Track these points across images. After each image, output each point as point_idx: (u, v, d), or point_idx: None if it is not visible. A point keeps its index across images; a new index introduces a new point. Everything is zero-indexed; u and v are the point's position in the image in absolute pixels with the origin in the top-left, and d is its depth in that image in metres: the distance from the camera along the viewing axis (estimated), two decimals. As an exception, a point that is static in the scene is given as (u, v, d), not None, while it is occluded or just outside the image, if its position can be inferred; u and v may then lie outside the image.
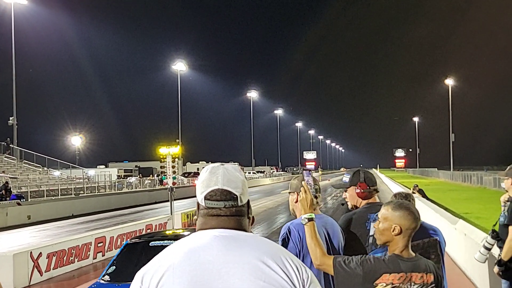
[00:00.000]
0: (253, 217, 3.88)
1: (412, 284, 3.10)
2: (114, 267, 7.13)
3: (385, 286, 3.10)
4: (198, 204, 2.07)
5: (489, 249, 6.31)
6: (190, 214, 22.66)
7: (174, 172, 20.96)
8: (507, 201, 6.24)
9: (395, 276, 3.10)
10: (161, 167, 21.29)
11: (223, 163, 2.16)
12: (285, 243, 3.79)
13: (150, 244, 7.41)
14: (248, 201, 2.13)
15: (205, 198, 2.01)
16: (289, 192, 4.16)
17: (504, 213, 6.11)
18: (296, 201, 4.05)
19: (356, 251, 3.84)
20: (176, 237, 7.57)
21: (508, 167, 6.32)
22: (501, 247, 6.17)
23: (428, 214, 17.35)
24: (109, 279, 6.93)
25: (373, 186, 4.40)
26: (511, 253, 5.95)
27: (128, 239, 8.04)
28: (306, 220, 3.52)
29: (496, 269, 6.16)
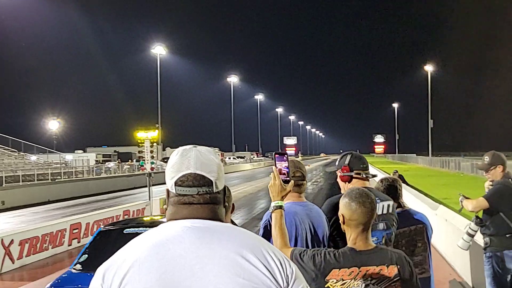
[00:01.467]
0: (233, 204, 3.58)
1: (368, 279, 2.81)
2: (86, 255, 6.83)
3: (336, 283, 2.83)
4: (168, 192, 1.83)
5: (472, 236, 6.14)
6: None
7: (152, 157, 20.61)
8: (491, 185, 6.08)
9: (345, 272, 2.83)
10: (139, 151, 20.89)
11: (195, 145, 1.90)
12: (267, 231, 3.55)
13: (124, 231, 7.11)
14: (225, 187, 1.90)
15: (176, 184, 1.79)
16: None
17: None
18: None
19: (343, 239, 3.64)
20: (152, 224, 7.27)
21: (487, 156, 6.16)
22: (484, 234, 6.02)
23: (409, 200, 17.24)
24: (81, 268, 6.64)
25: (357, 170, 4.18)
26: (479, 207, 5.97)
27: (101, 226, 7.71)
28: (274, 207, 3.26)
29: (473, 226, 6.01)
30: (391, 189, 4.53)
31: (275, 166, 3.33)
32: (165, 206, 1.87)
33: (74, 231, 14.96)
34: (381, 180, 4.63)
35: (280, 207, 3.26)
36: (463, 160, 59.99)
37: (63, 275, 6.58)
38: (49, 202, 31.07)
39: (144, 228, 7.15)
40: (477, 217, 6.06)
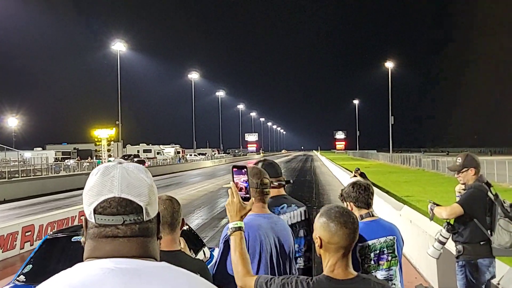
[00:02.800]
0: (183, 219, 3.14)
1: None
2: (31, 265, 6.34)
3: None
4: (86, 221, 1.44)
5: (443, 243, 5.86)
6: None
7: (109, 155, 20.05)
8: (464, 189, 5.79)
9: None
10: (96, 150, 20.30)
11: (122, 160, 1.52)
12: (226, 245, 3.17)
13: (72, 239, 6.62)
14: (159, 214, 1.50)
15: (95, 212, 1.40)
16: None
17: None
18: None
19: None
20: None
21: (460, 158, 5.87)
22: (457, 241, 5.75)
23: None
24: (24, 279, 6.15)
25: (275, 178, 4.02)
26: (454, 214, 5.67)
27: (48, 234, 7.22)
28: (233, 229, 2.88)
29: (444, 233, 5.76)
30: (364, 196, 4.20)
31: (233, 181, 2.95)
32: (82, 239, 1.45)
33: (27, 234, 14.33)
34: (352, 185, 4.27)
35: (240, 228, 2.88)
36: (423, 156, 60.65)
37: (6, 287, 6.10)
38: (4, 201, 30.11)
39: None
40: (448, 223, 5.78)
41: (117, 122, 61.41)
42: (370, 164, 72.09)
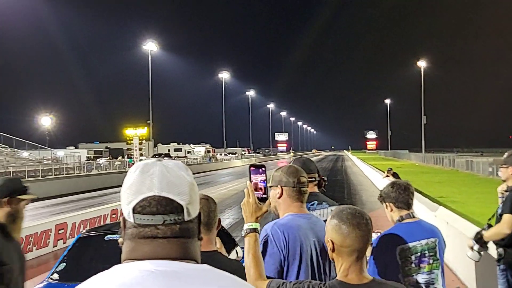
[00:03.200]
0: (219, 219, 3.03)
1: None
2: (64, 264, 6.31)
3: None
4: (124, 221, 1.36)
5: (484, 246, 5.66)
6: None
7: (141, 154, 20.14)
8: (506, 191, 5.57)
9: None
10: (127, 149, 20.41)
11: (161, 157, 1.42)
12: (265, 247, 3.12)
13: (105, 238, 6.59)
14: (200, 214, 1.41)
15: (134, 211, 1.32)
16: (270, 186, 3.34)
17: (502, 204, 5.49)
18: (280, 197, 3.32)
19: None
20: None
21: (506, 153, 5.65)
22: (498, 244, 5.54)
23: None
24: (58, 278, 6.13)
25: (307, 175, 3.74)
26: (496, 237, 5.42)
27: (81, 232, 7.20)
28: (248, 230, 2.77)
29: (472, 244, 5.56)
30: (404, 196, 4.05)
31: (250, 180, 2.84)
32: (120, 240, 1.38)
33: (60, 232, 14.45)
34: (392, 185, 4.12)
35: (255, 230, 2.77)
36: (457, 156, 59.78)
37: (40, 286, 6.09)
38: (37, 199, 30.45)
39: None
40: (489, 225, 5.58)
41: (148, 121, 61.80)
42: (402, 164, 71.34)
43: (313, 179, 4.12)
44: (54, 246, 14.13)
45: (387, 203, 4.08)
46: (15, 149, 48.29)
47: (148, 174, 1.35)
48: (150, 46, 68.42)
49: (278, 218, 3.36)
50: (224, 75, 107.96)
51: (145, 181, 1.33)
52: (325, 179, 4.44)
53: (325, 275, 3.33)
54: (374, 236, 4.31)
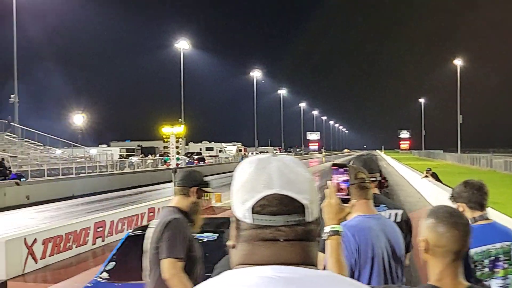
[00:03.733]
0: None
1: None
2: (113, 262, 6.17)
3: None
4: (238, 221, 1.24)
5: None
6: (194, 196, 21.74)
7: (177, 153, 20.07)
8: None
9: None
10: (164, 147, 20.36)
11: (274, 152, 1.21)
12: None
13: None
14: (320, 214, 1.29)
15: (253, 211, 1.20)
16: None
17: None
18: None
19: None
20: None
21: None
22: None
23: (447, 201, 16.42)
24: (108, 277, 5.98)
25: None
26: None
27: (129, 230, 7.04)
28: (331, 233, 2.55)
29: None
30: (478, 196, 3.78)
31: (331, 180, 2.62)
32: (230, 243, 1.25)
33: (98, 230, 14.41)
34: (465, 184, 3.85)
35: (337, 232, 2.56)
36: (494, 157, 58.69)
37: (89, 285, 5.94)
38: (73, 197, 30.73)
39: None
40: None
41: (180, 119, 62.12)
42: (438, 164, 70.28)
43: (374, 179, 3.86)
44: (93, 244, 14.11)
45: (458, 204, 3.82)
46: (49, 147, 48.81)
47: (265, 170, 1.22)
48: (183, 45, 68.68)
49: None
50: (256, 74, 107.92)
51: (262, 178, 1.21)
52: (387, 179, 4.20)
53: (397, 279, 3.17)
54: None
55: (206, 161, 69.54)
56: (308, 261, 1.19)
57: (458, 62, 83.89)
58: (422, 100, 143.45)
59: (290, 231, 1.18)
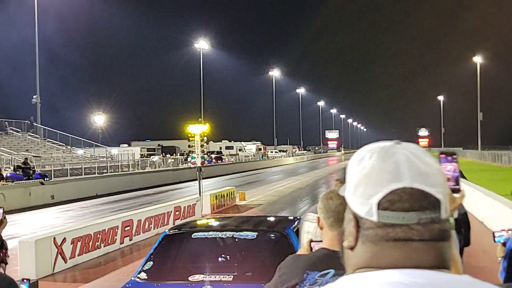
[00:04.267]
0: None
1: None
2: (151, 262, 6.09)
3: None
4: (356, 219, 1.09)
5: None
6: (219, 195, 21.72)
7: (202, 152, 20.01)
8: None
9: None
10: (189, 146, 20.31)
11: (398, 140, 1.14)
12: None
13: (192, 236, 6.38)
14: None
15: (379, 207, 1.04)
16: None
17: None
18: None
19: None
20: (223, 228, 6.52)
21: None
22: None
23: (477, 197, 16.21)
24: (146, 277, 5.90)
25: None
26: None
27: (166, 230, 6.97)
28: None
29: None
30: None
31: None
32: (348, 243, 1.11)
33: (126, 229, 14.41)
34: None
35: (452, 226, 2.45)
36: (516, 153, 57.96)
37: (127, 286, 5.87)
38: (97, 196, 30.84)
39: (214, 233, 6.40)
40: None
41: (200, 119, 62.15)
42: (459, 161, 69.61)
43: None
44: (120, 244, 14.10)
45: None
46: (71, 147, 49.09)
47: (391, 160, 1.07)
48: (202, 45, 68.76)
49: None
50: (275, 73, 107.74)
51: (389, 169, 1.06)
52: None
53: None
54: (505, 235, 3.92)
55: (224, 160, 69.49)
56: (443, 264, 1.06)
57: (478, 59, 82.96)
58: (441, 98, 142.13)
59: (424, 230, 1.04)
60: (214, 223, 7.23)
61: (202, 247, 6.39)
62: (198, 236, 6.37)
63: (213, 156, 69.61)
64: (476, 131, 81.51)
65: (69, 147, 48.84)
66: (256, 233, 6.24)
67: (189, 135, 19.81)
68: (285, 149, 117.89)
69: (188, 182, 39.73)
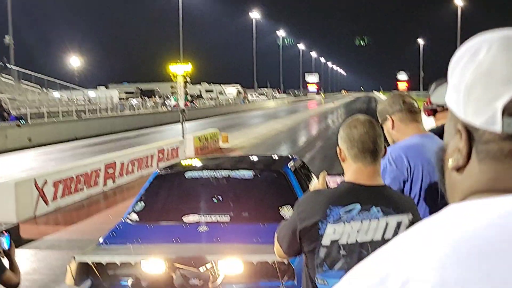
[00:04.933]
0: (385, 146, 2.60)
1: None
2: (142, 203, 5.72)
3: None
4: (468, 131, 0.80)
5: None
6: (202, 137, 21.35)
7: (186, 93, 19.51)
8: None
9: None
10: (171, 86, 19.76)
11: (194, 99, 0.79)
12: (384, 171, 2.90)
13: (186, 176, 6.01)
14: None
15: (507, 113, 0.78)
16: (381, 122, 3.16)
17: None
18: (392, 127, 3.13)
19: None
20: (217, 167, 6.13)
21: None
22: None
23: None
24: (137, 218, 5.55)
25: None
26: None
27: (158, 170, 6.57)
28: None
29: None
30: None
31: None
32: (453, 163, 0.84)
33: (109, 171, 14.02)
34: None
35: None
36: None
37: (117, 227, 5.51)
38: (76, 139, 30.28)
39: (209, 171, 6.00)
40: None
41: (178, 61, 61.02)
42: (438, 105, 70.11)
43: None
44: (104, 186, 13.74)
45: None
46: (47, 89, 48.13)
47: None
48: (181, -15, 67.05)
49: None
50: (255, 15, 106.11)
51: None
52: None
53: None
54: None
55: (195, 103, 68.44)
56: None
57: (459, 2, 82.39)
58: (420, 41, 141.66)
59: None
60: (207, 162, 6.84)
61: (196, 187, 6.05)
62: (192, 176, 6.01)
63: (190, 98, 68.66)
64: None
65: (44, 89, 47.84)
66: (253, 172, 5.90)
67: (172, 75, 19.25)
68: (265, 93, 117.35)
69: (168, 124, 39.29)
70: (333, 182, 2.93)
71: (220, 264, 4.56)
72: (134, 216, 5.59)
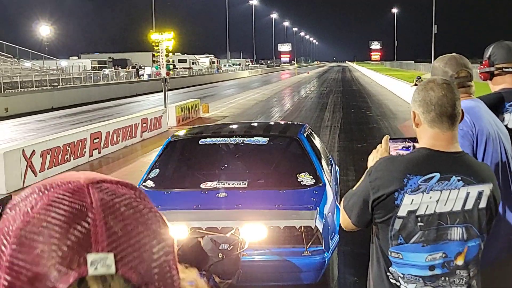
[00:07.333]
0: (462, 110, 2.50)
1: None
2: (157, 170, 5.59)
3: None
4: None
5: None
6: (184, 107, 21.12)
7: (167, 62, 19.20)
8: None
9: None
10: (153, 55, 19.42)
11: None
12: None
13: (200, 142, 5.89)
14: None
15: None
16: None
17: None
18: None
19: None
20: (231, 133, 6.04)
21: None
22: None
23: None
24: (153, 185, 5.42)
25: (501, 64, 3.35)
26: None
27: (170, 136, 6.41)
28: None
29: None
30: None
31: None
32: None
33: (95, 141, 13.78)
34: None
35: None
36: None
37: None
38: (52, 109, 29.76)
39: (223, 139, 5.92)
40: None
41: (151, 30, 60.09)
42: (412, 75, 70.35)
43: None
44: (90, 156, 13.52)
45: None
46: (18, 59, 47.11)
47: None
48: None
49: None
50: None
51: None
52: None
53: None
54: None
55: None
56: None
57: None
58: (394, 10, 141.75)
59: None
60: (220, 129, 6.72)
61: (210, 153, 5.96)
62: (206, 142, 5.89)
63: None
64: (430, 44, 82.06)
65: (16, 59, 46.79)
66: (267, 139, 5.81)
67: (153, 43, 18.90)
68: (238, 63, 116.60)
69: (145, 95, 38.87)
70: (394, 148, 2.82)
71: (245, 230, 4.50)
72: (150, 183, 5.47)
